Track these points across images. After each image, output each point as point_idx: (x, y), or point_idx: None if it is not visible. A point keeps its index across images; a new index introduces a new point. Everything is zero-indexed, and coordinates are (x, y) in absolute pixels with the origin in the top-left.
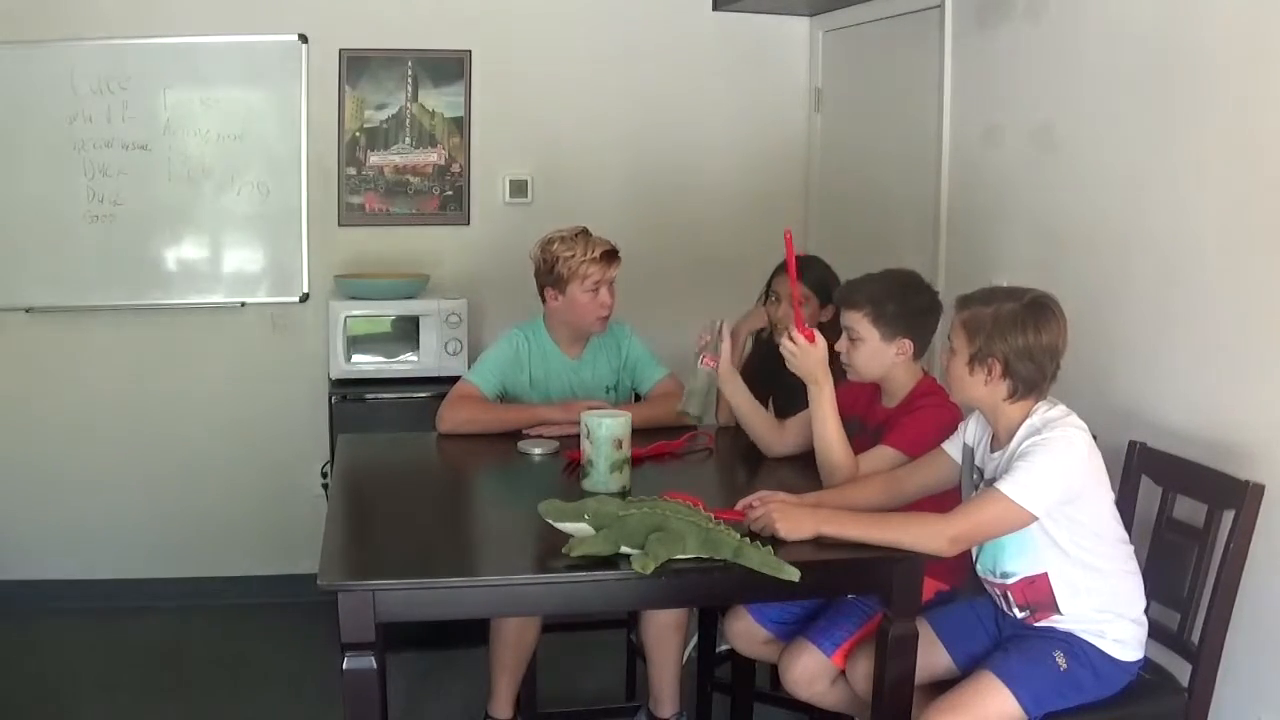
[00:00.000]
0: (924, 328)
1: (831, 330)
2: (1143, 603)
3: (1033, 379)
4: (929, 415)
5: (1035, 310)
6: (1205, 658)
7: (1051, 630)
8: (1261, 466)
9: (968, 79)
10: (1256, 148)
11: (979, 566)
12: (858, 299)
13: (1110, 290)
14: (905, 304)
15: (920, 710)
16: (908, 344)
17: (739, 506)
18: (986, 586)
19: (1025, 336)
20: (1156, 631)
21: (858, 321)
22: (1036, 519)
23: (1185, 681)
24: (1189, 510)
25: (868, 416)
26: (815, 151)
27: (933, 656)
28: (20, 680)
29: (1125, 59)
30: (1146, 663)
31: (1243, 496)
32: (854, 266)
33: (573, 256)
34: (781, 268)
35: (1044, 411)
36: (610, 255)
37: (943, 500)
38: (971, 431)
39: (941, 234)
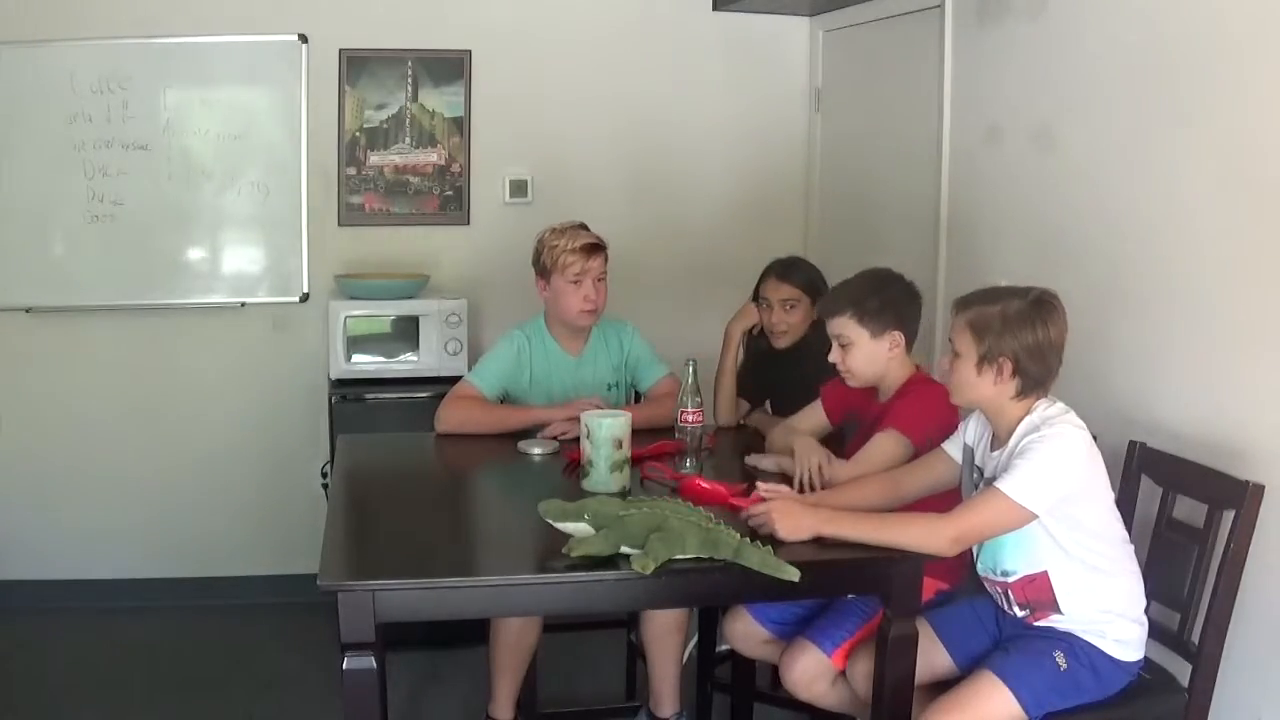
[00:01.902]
0: (909, 316)
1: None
2: (1143, 603)
3: (1040, 376)
4: (923, 397)
5: (1041, 307)
6: (1205, 658)
7: (1052, 630)
8: (1261, 466)
9: (968, 79)
10: (1256, 147)
11: (979, 565)
12: (838, 305)
13: (1110, 290)
14: (885, 296)
15: (920, 710)
16: (898, 335)
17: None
18: (986, 585)
19: (1035, 333)
20: (1156, 631)
21: (844, 325)
22: (1036, 517)
23: (1185, 681)
24: (1189, 510)
25: (864, 413)
26: (815, 151)
27: (933, 656)
28: (20, 680)
29: (1125, 59)
30: (1146, 663)
31: (1243, 496)
32: (854, 266)
33: (556, 246)
34: (769, 271)
35: (1044, 409)
36: (592, 248)
37: (943, 500)
38: (972, 431)
39: (941, 234)
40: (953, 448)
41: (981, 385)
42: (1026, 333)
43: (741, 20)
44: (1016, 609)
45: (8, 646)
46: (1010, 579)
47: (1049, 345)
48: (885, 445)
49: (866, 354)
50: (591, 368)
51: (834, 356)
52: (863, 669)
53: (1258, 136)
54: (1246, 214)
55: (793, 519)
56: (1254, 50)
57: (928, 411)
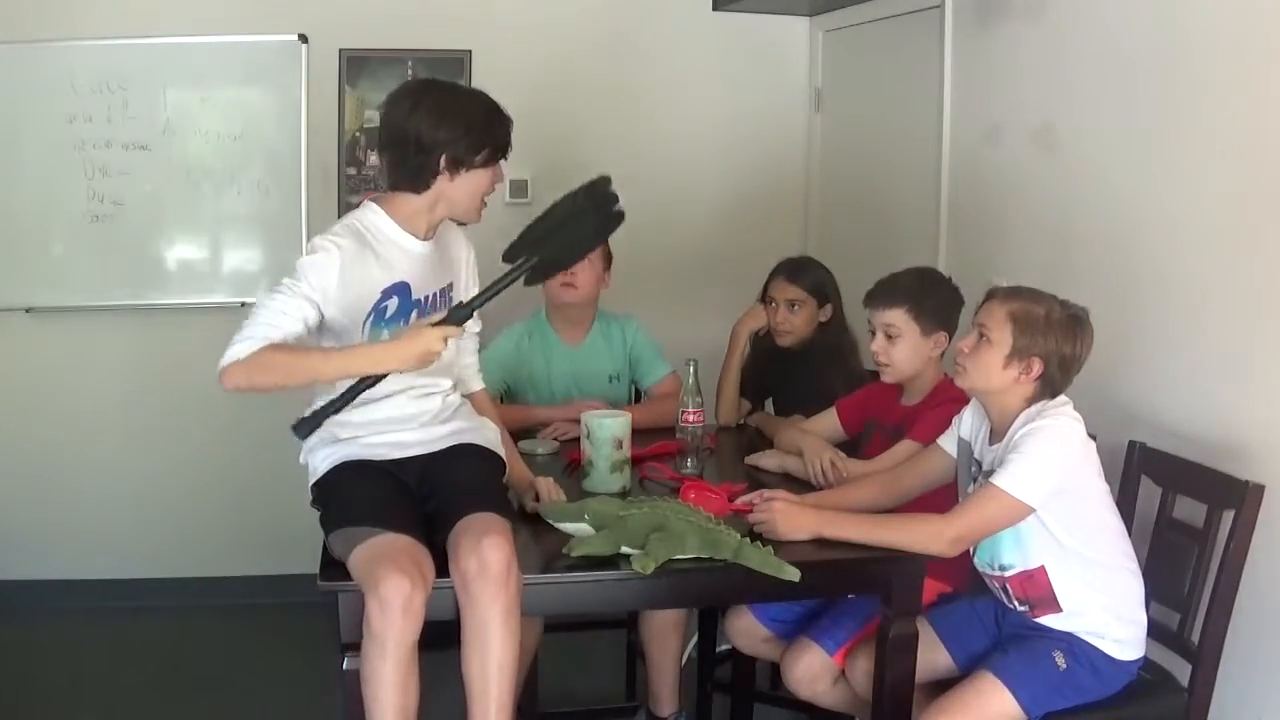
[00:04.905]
0: (955, 321)
1: (832, 330)
2: (1143, 600)
3: (1058, 387)
4: (950, 411)
5: (1080, 323)
6: (1205, 658)
7: (1051, 630)
8: (1261, 466)
9: (968, 79)
10: (1256, 147)
11: (977, 560)
12: (896, 297)
13: (1110, 290)
14: (940, 297)
15: (920, 709)
16: (944, 338)
17: (741, 500)
18: (986, 580)
19: (1072, 345)
20: (1156, 631)
21: (898, 318)
22: (1034, 510)
23: (1185, 681)
24: (1189, 510)
25: (885, 416)
26: (815, 151)
27: (933, 655)
28: (20, 680)
29: (1125, 59)
30: (1146, 662)
31: (1243, 496)
32: (854, 267)
33: None
34: (778, 270)
35: (1042, 402)
36: None
37: (941, 496)
38: (967, 424)
39: (942, 234)
40: (948, 443)
41: (1002, 376)
42: (1065, 342)
43: (741, 20)
44: (1016, 604)
45: (8, 646)
46: (1008, 573)
47: (1075, 361)
48: (908, 455)
49: (912, 349)
50: (592, 358)
51: (877, 346)
52: (862, 666)
53: (1258, 136)
54: (1246, 214)
55: (793, 520)
56: (1254, 50)
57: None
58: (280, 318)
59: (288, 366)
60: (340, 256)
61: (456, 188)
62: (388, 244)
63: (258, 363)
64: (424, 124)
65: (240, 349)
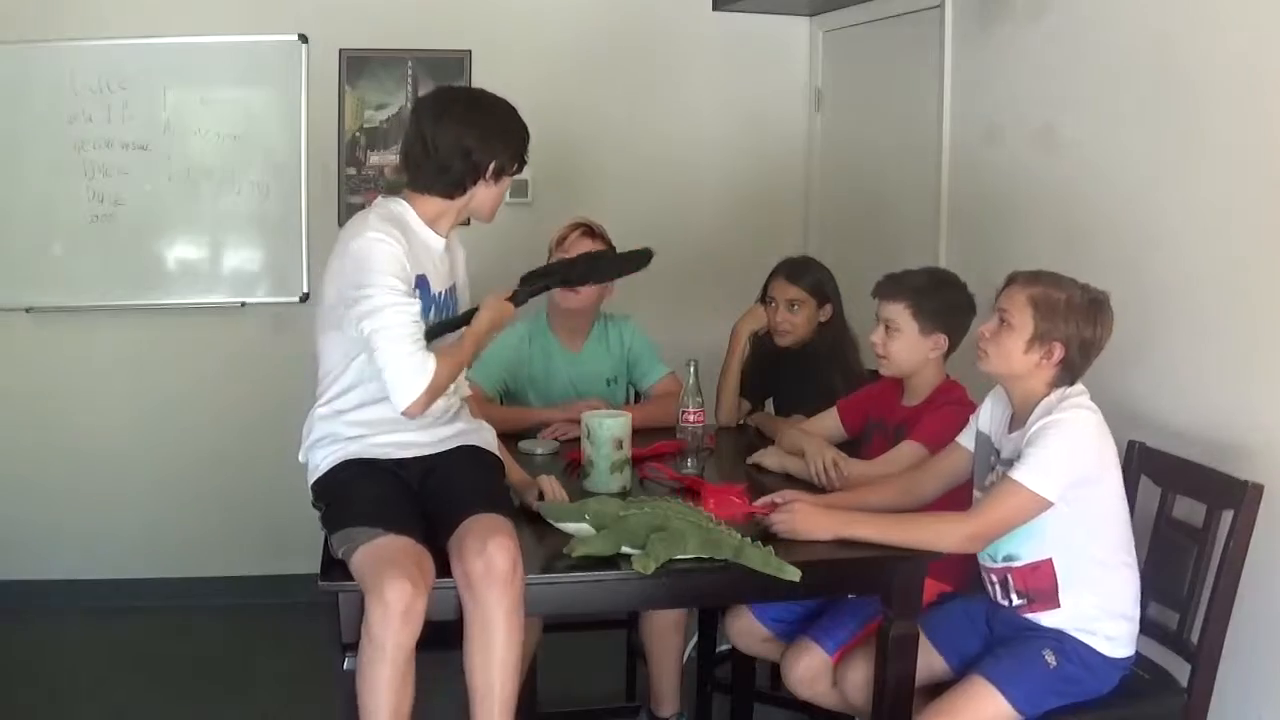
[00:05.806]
0: (960, 326)
1: (832, 330)
2: (1138, 598)
3: (1078, 370)
4: (952, 413)
5: (1100, 306)
6: (1205, 658)
7: (1041, 628)
8: (1261, 466)
9: (968, 79)
10: (1257, 147)
11: (980, 553)
12: (899, 291)
13: (1111, 290)
14: (945, 300)
15: (915, 713)
16: (943, 340)
17: (760, 503)
18: (984, 575)
19: (1093, 329)
20: (1156, 631)
21: (898, 313)
22: (1052, 504)
23: (1185, 681)
24: (1189, 510)
25: (888, 417)
26: (815, 151)
27: (926, 659)
28: (20, 680)
29: (1125, 59)
30: (1147, 663)
31: (1242, 496)
32: (855, 267)
33: (557, 233)
34: (778, 270)
35: (1062, 390)
36: (584, 231)
37: (957, 495)
38: (986, 415)
39: (942, 234)
40: (966, 438)
41: (1024, 361)
42: (1086, 326)
43: (741, 20)
44: (1014, 596)
45: (8, 646)
46: (1014, 564)
47: (1095, 345)
48: (909, 456)
49: (909, 346)
50: (591, 362)
51: (876, 337)
52: (854, 677)
53: (1257, 136)
54: (1246, 214)
55: (813, 521)
56: (1253, 50)
57: (955, 429)
58: (416, 328)
59: (452, 371)
60: (399, 247)
61: (488, 194)
62: (414, 238)
63: (437, 384)
64: (474, 137)
65: (420, 380)
